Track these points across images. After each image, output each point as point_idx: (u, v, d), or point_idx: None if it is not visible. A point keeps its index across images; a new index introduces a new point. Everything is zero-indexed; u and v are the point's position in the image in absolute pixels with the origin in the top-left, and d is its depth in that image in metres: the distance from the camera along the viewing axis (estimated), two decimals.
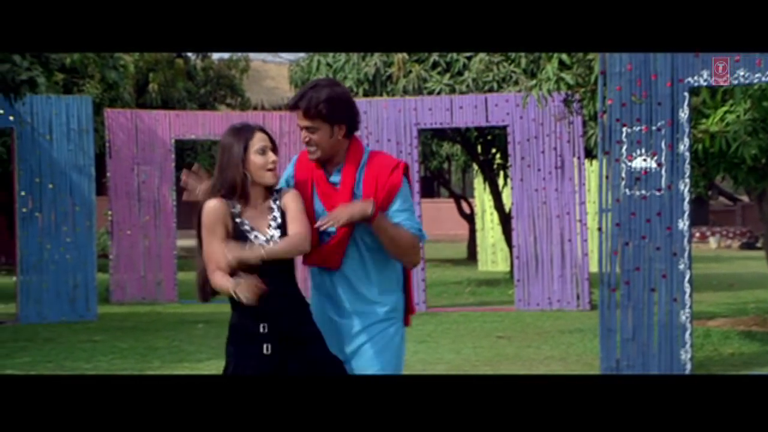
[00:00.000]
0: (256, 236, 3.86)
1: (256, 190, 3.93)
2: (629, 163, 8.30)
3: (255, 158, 3.89)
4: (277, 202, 3.94)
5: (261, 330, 3.86)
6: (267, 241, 3.85)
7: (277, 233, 3.87)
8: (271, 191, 3.96)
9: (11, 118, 12.59)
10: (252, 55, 30.56)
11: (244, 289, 3.71)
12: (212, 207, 3.87)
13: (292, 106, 3.98)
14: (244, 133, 3.93)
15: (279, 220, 3.90)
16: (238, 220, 3.88)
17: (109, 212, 14.98)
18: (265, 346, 3.85)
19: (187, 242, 26.50)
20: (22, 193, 12.80)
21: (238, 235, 3.85)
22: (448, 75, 15.38)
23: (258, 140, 3.92)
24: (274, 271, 3.82)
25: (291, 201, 3.94)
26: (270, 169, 3.91)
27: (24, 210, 12.81)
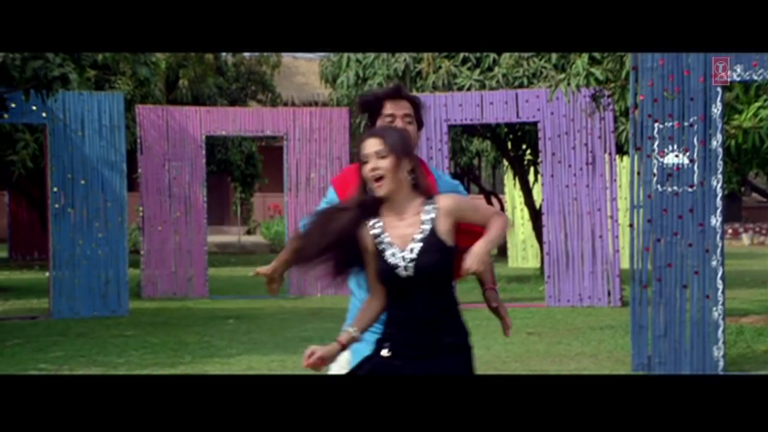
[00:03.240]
0: (393, 253, 3.57)
1: (403, 201, 3.62)
2: (661, 159, 8.24)
3: (363, 169, 3.61)
4: (432, 213, 3.61)
5: (386, 353, 3.67)
6: (403, 257, 3.56)
7: (417, 246, 3.56)
8: (428, 199, 3.63)
9: (44, 114, 12.69)
10: None
11: None
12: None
13: (395, 93, 3.95)
14: (359, 140, 3.67)
15: (427, 234, 3.57)
16: (377, 239, 3.62)
17: (141, 208, 15.07)
18: (385, 346, 3.66)
19: (218, 238, 26.65)
20: (55, 189, 12.90)
21: (378, 253, 3.61)
22: (477, 71, 15.33)
23: (365, 146, 3.61)
24: (423, 283, 3.59)
25: (452, 203, 3.62)
26: (376, 179, 3.58)
27: (56, 206, 12.91)
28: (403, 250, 3.58)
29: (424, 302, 3.59)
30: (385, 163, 3.57)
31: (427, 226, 3.59)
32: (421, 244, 3.57)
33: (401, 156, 3.59)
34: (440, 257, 3.58)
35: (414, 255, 3.56)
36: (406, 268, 3.56)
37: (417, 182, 3.65)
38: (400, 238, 3.60)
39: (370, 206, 3.64)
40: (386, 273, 3.58)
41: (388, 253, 3.58)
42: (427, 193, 3.65)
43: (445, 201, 3.62)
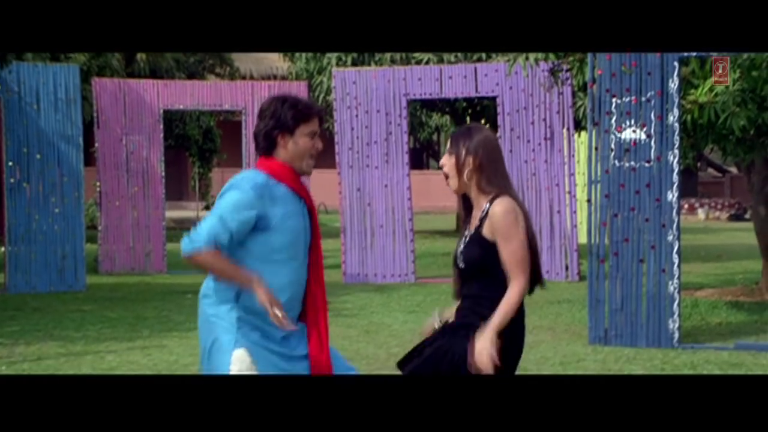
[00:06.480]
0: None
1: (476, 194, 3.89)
2: (618, 135, 8.30)
3: None
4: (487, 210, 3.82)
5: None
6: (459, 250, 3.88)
7: (465, 240, 3.85)
8: (490, 198, 3.84)
9: None
10: None
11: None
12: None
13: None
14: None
15: (473, 232, 3.84)
16: None
17: (98, 183, 14.94)
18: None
19: (176, 213, 26.47)
20: (10, 164, 12.75)
21: None
22: None
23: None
24: (468, 276, 3.87)
25: (495, 219, 3.79)
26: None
27: (12, 180, 12.76)
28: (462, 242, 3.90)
29: (469, 292, 3.88)
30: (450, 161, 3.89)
31: (478, 223, 3.84)
32: (467, 239, 3.86)
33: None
34: (480, 252, 3.80)
35: (460, 246, 3.87)
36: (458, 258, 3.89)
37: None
38: (469, 226, 3.91)
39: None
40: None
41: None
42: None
43: (494, 208, 3.78)
